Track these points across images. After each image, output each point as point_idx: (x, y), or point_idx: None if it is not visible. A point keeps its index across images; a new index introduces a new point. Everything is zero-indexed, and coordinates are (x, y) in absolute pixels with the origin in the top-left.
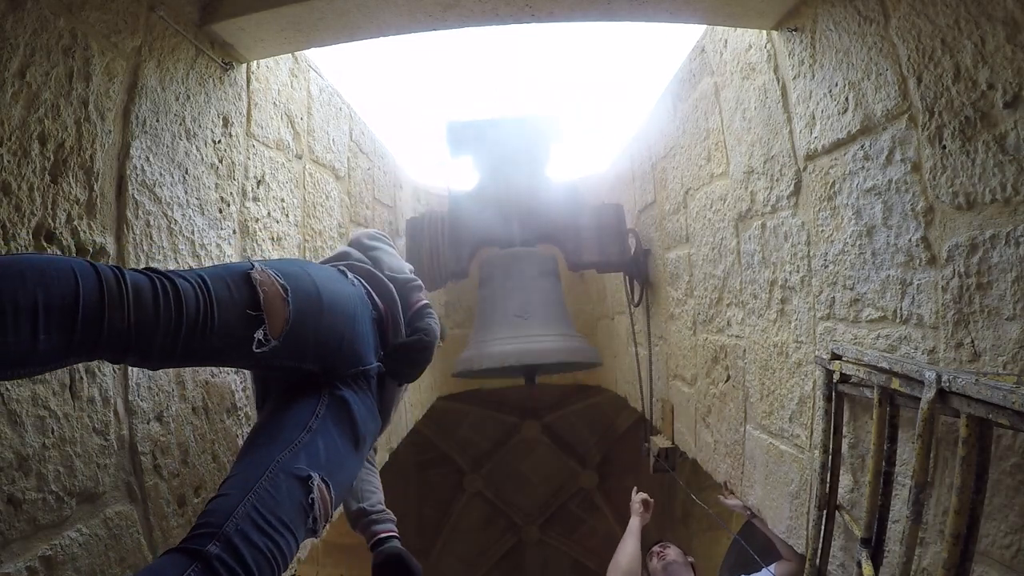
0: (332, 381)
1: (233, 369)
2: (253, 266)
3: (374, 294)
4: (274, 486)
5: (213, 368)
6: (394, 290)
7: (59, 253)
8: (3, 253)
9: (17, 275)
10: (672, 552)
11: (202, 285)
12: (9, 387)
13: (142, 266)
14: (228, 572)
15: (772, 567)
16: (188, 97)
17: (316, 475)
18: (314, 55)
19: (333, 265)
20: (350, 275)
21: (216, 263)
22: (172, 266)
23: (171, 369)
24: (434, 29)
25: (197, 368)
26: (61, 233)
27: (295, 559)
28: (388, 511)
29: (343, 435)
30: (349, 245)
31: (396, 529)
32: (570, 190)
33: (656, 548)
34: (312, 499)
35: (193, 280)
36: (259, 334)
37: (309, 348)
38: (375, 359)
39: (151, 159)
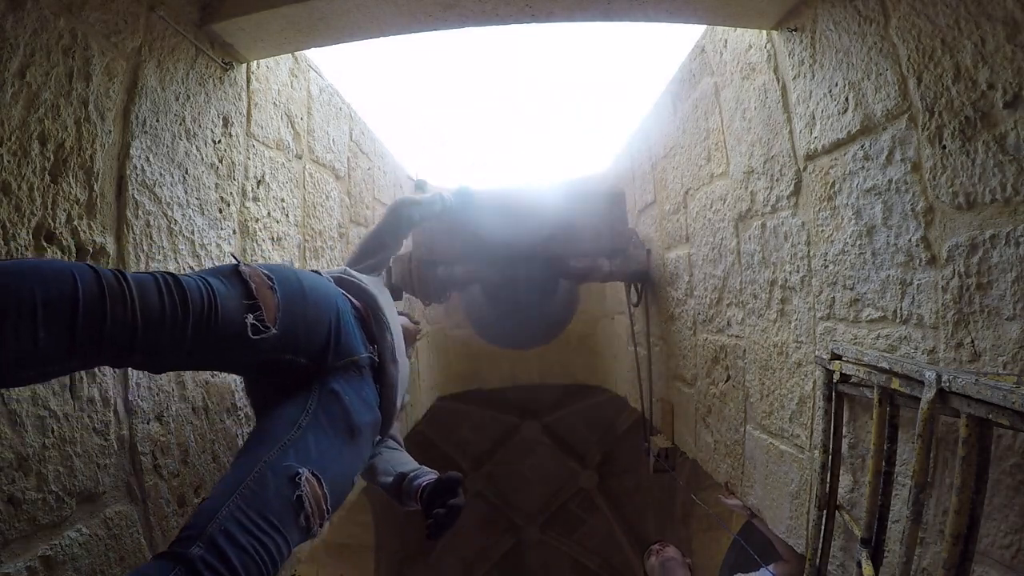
0: (323, 376)
1: None
2: (239, 262)
3: (350, 295)
4: (260, 485)
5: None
6: (369, 289)
7: (59, 253)
8: (3, 253)
9: (16, 275)
10: (671, 550)
11: (202, 280)
12: (10, 388)
13: (143, 266)
14: (212, 573)
15: (771, 567)
16: (188, 97)
17: (304, 471)
18: (314, 55)
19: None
20: (324, 274)
21: (216, 263)
22: (172, 266)
23: (172, 372)
24: (434, 29)
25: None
26: (61, 233)
27: (294, 559)
28: (427, 468)
29: (336, 428)
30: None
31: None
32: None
33: (655, 546)
34: (300, 495)
35: (193, 277)
36: (253, 318)
37: (301, 337)
38: (364, 350)
39: (151, 159)
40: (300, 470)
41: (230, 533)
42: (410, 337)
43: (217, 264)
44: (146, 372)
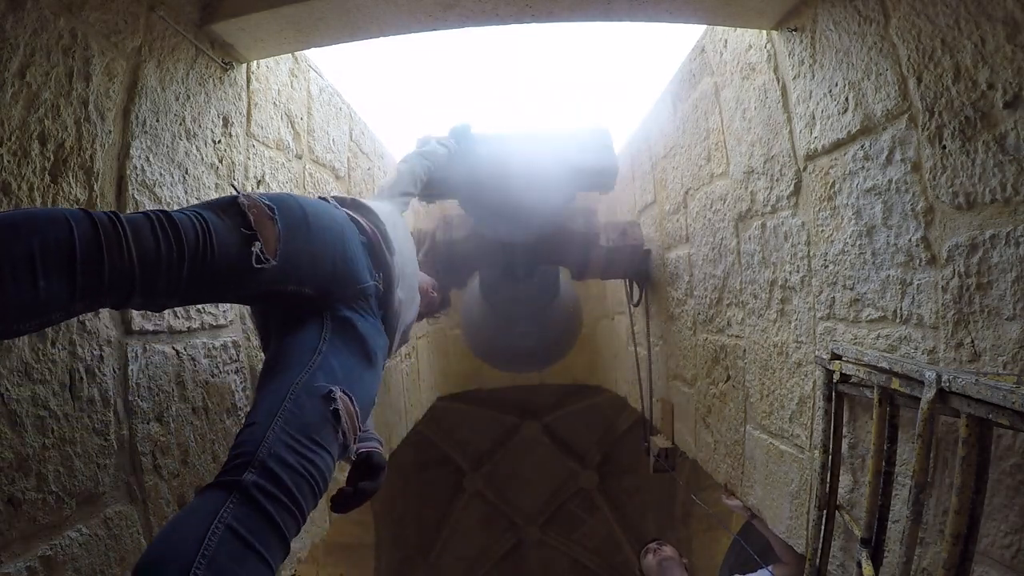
0: (331, 305)
1: (233, 369)
2: (239, 193)
3: (359, 219)
4: (298, 406)
5: (213, 368)
6: (379, 214)
7: None
8: None
9: (9, 226)
10: (668, 550)
11: (196, 215)
12: (9, 387)
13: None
14: (267, 497)
15: (770, 567)
16: (188, 97)
17: (336, 388)
18: (314, 55)
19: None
20: (332, 201)
21: None
22: None
23: (169, 347)
24: (434, 29)
25: (197, 367)
26: None
27: (293, 559)
28: (374, 432)
29: (353, 352)
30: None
31: (380, 447)
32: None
33: (652, 545)
34: (336, 410)
35: (187, 212)
36: (256, 247)
37: (304, 268)
38: (371, 278)
39: (151, 159)
40: (332, 388)
41: (279, 456)
42: (424, 292)
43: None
44: (148, 312)
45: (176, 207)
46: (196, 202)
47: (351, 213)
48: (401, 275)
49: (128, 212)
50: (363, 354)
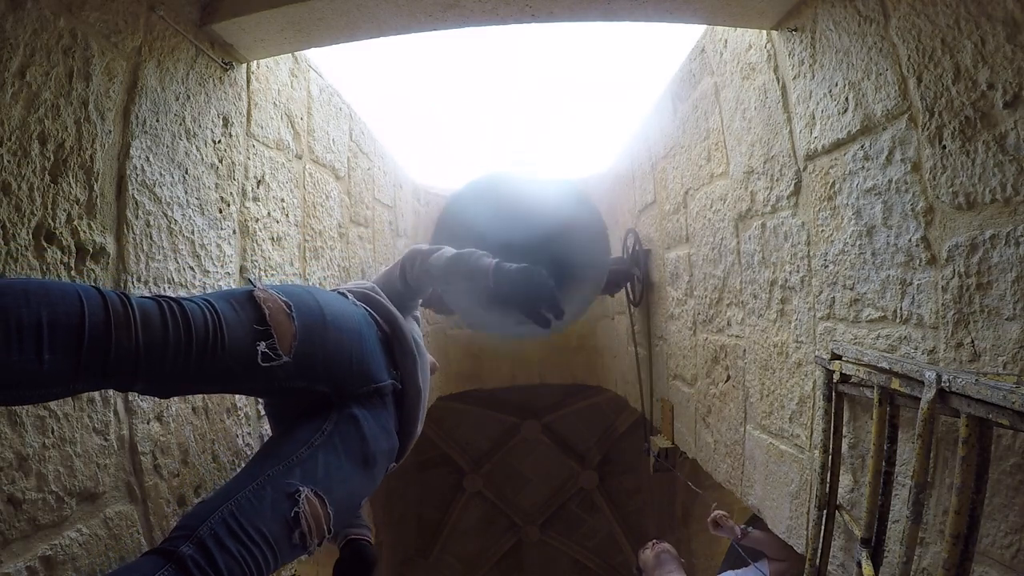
0: (344, 401)
1: None
2: (255, 286)
3: (376, 315)
4: (258, 497)
5: None
6: (395, 311)
7: (59, 253)
8: (3, 253)
9: (20, 294)
10: (665, 544)
11: (208, 306)
12: None
13: (142, 265)
14: (200, 573)
15: (760, 563)
16: (188, 97)
17: (305, 489)
18: (314, 55)
19: (333, 289)
20: (350, 296)
21: (216, 263)
22: (172, 266)
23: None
24: (434, 29)
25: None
26: (61, 233)
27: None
28: (364, 519)
29: (350, 452)
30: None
31: (370, 537)
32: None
33: (650, 543)
34: (297, 513)
35: (199, 302)
36: (264, 346)
37: (319, 366)
38: (388, 376)
39: (151, 159)
40: (301, 488)
41: (219, 537)
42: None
43: (216, 263)
44: (153, 397)
45: (176, 207)
46: (196, 201)
47: (369, 309)
48: (420, 373)
49: (139, 295)
50: (360, 456)
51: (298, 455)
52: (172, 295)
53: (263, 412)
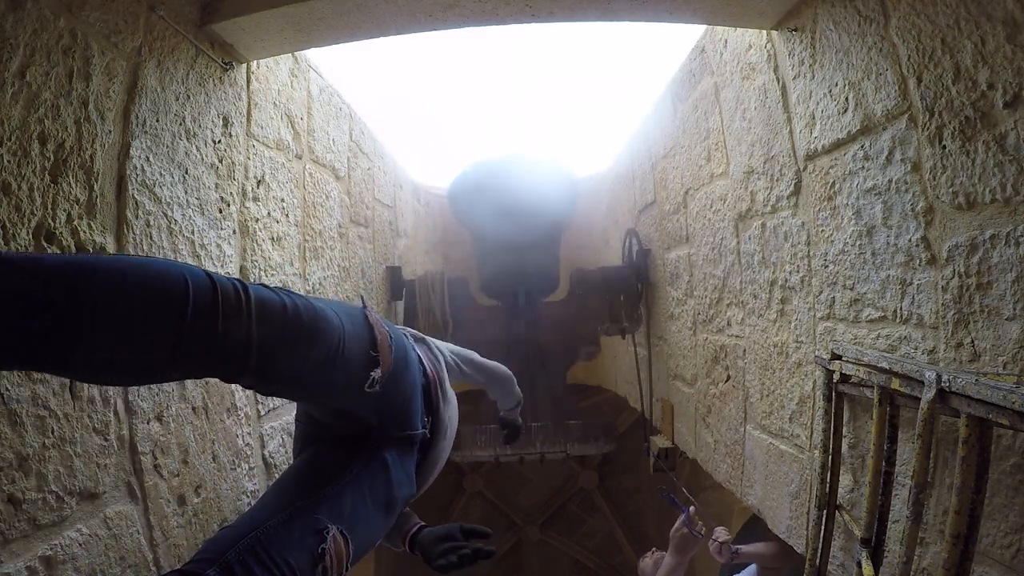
0: (379, 441)
1: None
2: (366, 307)
3: (424, 361)
4: (287, 528)
5: None
6: (443, 359)
7: (58, 253)
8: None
9: (116, 273)
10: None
11: (336, 315)
12: (9, 387)
13: None
14: None
15: (754, 567)
16: (188, 97)
17: (333, 527)
18: (314, 55)
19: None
20: (410, 339)
21: (216, 263)
22: None
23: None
24: (434, 29)
25: None
26: (61, 233)
27: None
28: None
29: (375, 496)
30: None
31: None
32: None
33: (651, 551)
34: (324, 549)
35: (328, 305)
36: (376, 373)
37: (386, 404)
38: (421, 425)
39: (151, 159)
40: (330, 526)
41: (247, 563)
42: None
43: (216, 263)
44: (254, 392)
45: (176, 207)
46: (196, 201)
47: (419, 354)
48: (450, 425)
49: (256, 283)
50: (384, 501)
51: (327, 491)
52: (298, 292)
53: (263, 412)
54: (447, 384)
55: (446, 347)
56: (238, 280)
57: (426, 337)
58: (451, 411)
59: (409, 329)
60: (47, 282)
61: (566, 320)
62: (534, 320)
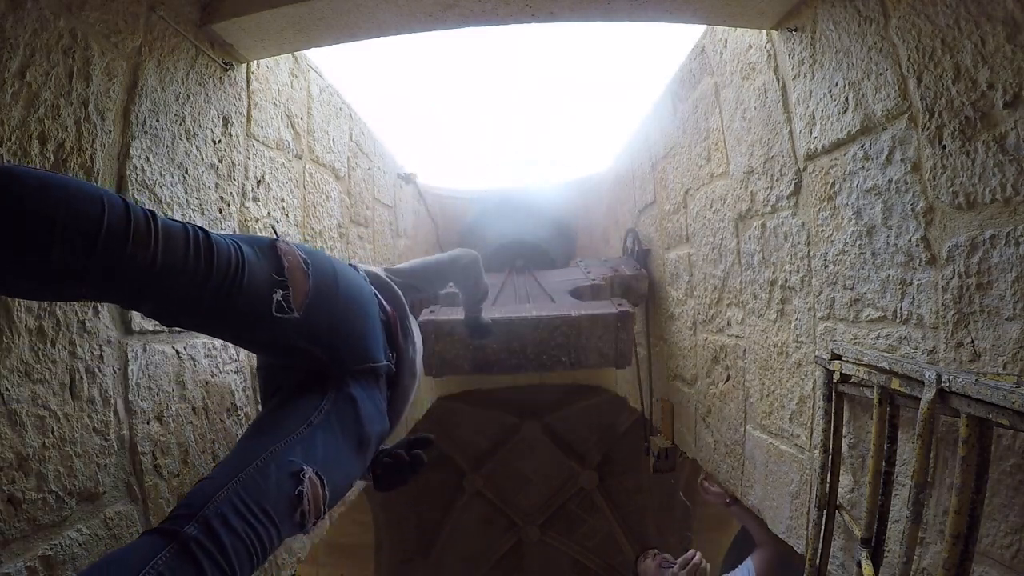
0: (341, 377)
1: (233, 369)
2: (278, 238)
3: (382, 298)
4: (263, 475)
5: (213, 368)
6: (401, 296)
7: None
8: None
9: (41, 188)
10: (668, 556)
11: (235, 245)
12: (9, 387)
13: None
14: (204, 554)
15: (749, 560)
16: (188, 97)
17: (308, 468)
18: (314, 55)
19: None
20: (361, 272)
21: None
22: None
23: (169, 346)
24: (434, 29)
25: (197, 367)
26: None
27: (293, 559)
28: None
29: (346, 433)
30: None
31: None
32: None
33: (651, 552)
34: (301, 492)
35: (226, 239)
36: (280, 295)
37: (323, 331)
38: (384, 358)
39: (151, 159)
40: (304, 467)
41: (225, 516)
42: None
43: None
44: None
45: (176, 207)
46: (196, 201)
47: (376, 292)
48: (416, 360)
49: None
50: (355, 438)
51: (299, 432)
52: (202, 226)
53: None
54: (408, 320)
55: (399, 271)
56: (150, 211)
57: (380, 274)
58: (414, 348)
59: (365, 265)
60: None
61: None
62: None
